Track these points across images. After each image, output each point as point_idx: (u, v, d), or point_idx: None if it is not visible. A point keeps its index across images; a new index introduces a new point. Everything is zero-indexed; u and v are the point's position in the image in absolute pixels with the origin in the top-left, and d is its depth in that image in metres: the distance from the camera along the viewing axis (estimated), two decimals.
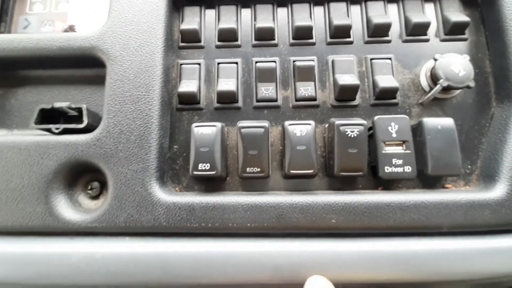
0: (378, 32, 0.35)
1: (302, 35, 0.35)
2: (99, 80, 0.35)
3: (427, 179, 0.33)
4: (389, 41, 0.35)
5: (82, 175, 0.33)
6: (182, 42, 0.36)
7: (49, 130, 0.32)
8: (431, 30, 0.35)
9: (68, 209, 0.31)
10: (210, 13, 0.37)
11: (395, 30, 0.36)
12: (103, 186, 0.33)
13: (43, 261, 0.29)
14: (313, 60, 0.35)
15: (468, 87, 0.32)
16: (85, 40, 0.33)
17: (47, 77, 0.36)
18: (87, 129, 0.32)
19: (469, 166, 0.33)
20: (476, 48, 0.35)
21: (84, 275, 0.28)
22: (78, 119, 0.33)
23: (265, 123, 0.31)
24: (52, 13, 0.38)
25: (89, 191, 0.33)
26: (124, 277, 0.29)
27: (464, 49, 0.35)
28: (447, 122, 0.31)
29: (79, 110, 0.32)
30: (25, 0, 0.38)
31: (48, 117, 0.32)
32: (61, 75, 0.36)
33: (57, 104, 0.31)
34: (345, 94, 0.33)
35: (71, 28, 0.36)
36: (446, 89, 0.32)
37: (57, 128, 0.31)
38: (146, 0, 0.34)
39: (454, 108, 0.34)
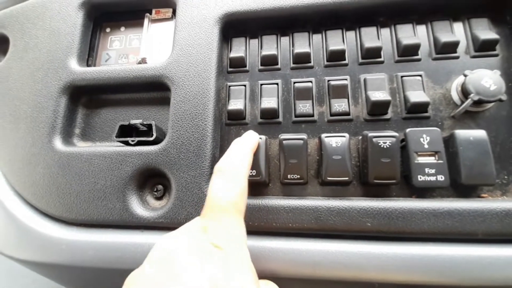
0: (407, 52, 0.38)
1: (336, 57, 0.39)
2: (163, 101, 0.43)
3: (461, 190, 0.34)
4: (419, 60, 0.38)
5: (150, 179, 0.39)
6: (230, 67, 0.42)
7: (126, 142, 0.39)
8: (461, 47, 0.37)
9: (139, 207, 0.37)
10: (254, 42, 0.43)
11: (425, 49, 0.38)
12: (166, 189, 0.39)
13: (121, 249, 0.35)
14: (346, 79, 0.39)
15: (500, 100, 0.33)
16: (155, 70, 0.41)
17: (123, 100, 0.44)
18: (155, 141, 0.39)
19: (505, 177, 0.34)
20: (507, 63, 0.36)
21: None
22: (147, 133, 0.40)
23: (304, 136, 0.35)
24: (127, 48, 0.47)
25: (155, 193, 0.39)
26: None
27: (496, 65, 0.36)
28: (480, 133, 0.32)
29: (149, 126, 0.40)
30: (107, 38, 0.48)
31: (123, 131, 0.40)
32: (133, 98, 0.44)
33: (133, 121, 0.39)
34: (377, 109, 0.36)
35: (143, 60, 0.44)
36: (478, 103, 0.34)
37: (132, 141, 0.39)
38: (202, 35, 0.41)
39: (488, 120, 0.35)
